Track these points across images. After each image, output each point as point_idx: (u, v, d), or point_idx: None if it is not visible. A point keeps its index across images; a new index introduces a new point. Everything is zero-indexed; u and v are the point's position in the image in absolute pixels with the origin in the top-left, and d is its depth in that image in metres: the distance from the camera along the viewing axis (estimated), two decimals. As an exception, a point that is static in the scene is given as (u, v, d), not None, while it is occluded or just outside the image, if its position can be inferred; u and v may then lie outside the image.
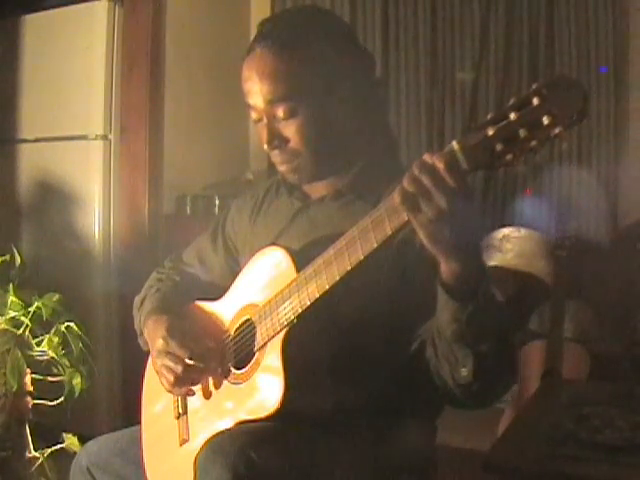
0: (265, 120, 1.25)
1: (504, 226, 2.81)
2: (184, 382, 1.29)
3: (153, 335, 1.33)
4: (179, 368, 1.26)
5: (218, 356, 1.28)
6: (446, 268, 1.01)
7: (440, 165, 0.93)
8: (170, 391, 1.32)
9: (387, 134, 1.39)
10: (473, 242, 1.01)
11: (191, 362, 1.25)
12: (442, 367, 1.10)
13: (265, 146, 1.27)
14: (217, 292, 1.39)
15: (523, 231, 2.72)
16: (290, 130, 1.24)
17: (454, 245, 0.98)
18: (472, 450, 2.08)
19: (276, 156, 1.28)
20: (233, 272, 1.41)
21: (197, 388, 1.31)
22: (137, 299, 1.50)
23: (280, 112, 1.23)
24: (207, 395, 1.30)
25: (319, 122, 1.25)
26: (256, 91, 1.24)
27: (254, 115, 1.27)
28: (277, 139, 1.25)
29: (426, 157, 0.96)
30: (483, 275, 1.03)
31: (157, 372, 1.32)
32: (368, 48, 3.53)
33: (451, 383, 1.10)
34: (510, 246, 2.66)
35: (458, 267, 1.00)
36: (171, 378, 1.28)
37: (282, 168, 1.29)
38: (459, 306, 1.02)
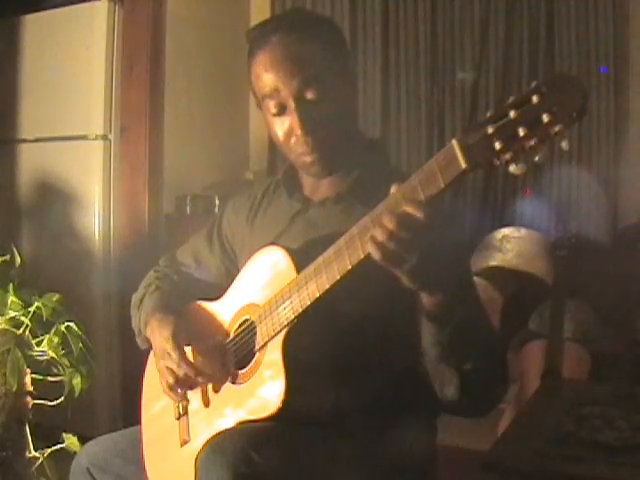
0: (293, 105, 1.22)
1: (504, 226, 2.81)
2: (183, 386, 1.30)
3: (158, 335, 1.32)
4: (181, 372, 1.27)
5: (219, 360, 1.28)
6: (423, 297, 1.04)
7: (408, 212, 0.96)
8: (168, 392, 1.32)
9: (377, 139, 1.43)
10: (446, 272, 1.02)
11: (196, 377, 1.26)
12: (434, 382, 1.13)
13: (286, 138, 1.25)
14: (214, 292, 1.39)
15: (523, 231, 2.72)
16: (321, 114, 1.23)
17: (432, 278, 1.01)
18: (472, 450, 2.08)
19: (302, 145, 1.25)
20: (229, 273, 1.42)
21: (197, 389, 1.31)
22: (135, 297, 1.50)
23: (311, 94, 1.22)
24: (207, 397, 1.30)
25: (342, 109, 1.26)
26: (284, 76, 1.22)
27: (274, 108, 1.24)
28: (310, 122, 1.23)
29: (389, 209, 0.98)
30: (460, 299, 1.05)
31: (158, 370, 1.33)
32: (368, 48, 3.56)
33: (442, 398, 1.13)
34: (510, 246, 2.67)
35: (434, 297, 1.03)
36: (171, 380, 1.29)
37: (306, 159, 1.26)
38: (439, 330, 1.06)
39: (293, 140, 1.25)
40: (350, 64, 1.33)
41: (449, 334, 1.05)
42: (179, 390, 1.31)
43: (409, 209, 0.96)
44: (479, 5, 3.29)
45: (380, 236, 0.97)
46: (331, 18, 1.41)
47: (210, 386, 1.29)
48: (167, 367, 1.29)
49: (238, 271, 1.35)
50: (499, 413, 2.26)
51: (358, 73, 3.37)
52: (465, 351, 1.08)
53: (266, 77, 1.24)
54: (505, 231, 2.75)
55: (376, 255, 0.98)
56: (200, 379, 1.27)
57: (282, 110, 1.25)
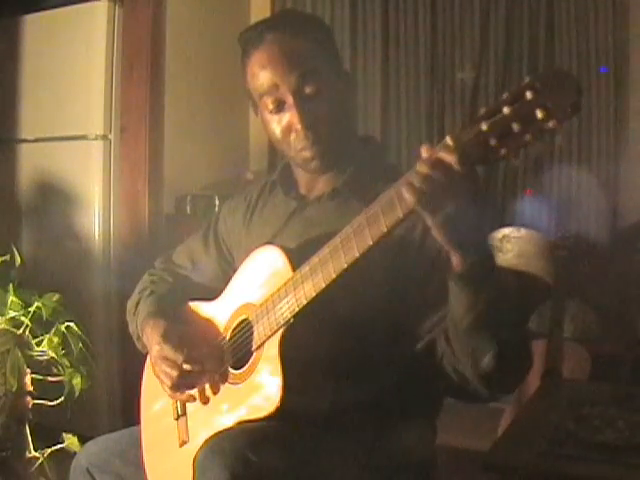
0: (292, 100, 1.23)
1: (504, 226, 2.81)
2: (182, 387, 1.29)
3: (150, 341, 1.33)
4: (175, 373, 1.26)
5: (215, 358, 1.28)
6: (460, 260, 1.01)
7: (450, 159, 0.93)
8: (171, 396, 1.32)
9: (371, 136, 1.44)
10: (484, 232, 1.02)
11: (187, 366, 1.25)
12: (460, 361, 1.09)
13: (285, 134, 1.25)
14: (210, 293, 1.39)
15: (523, 231, 2.71)
16: (319, 109, 1.23)
17: (468, 237, 0.98)
18: (472, 450, 2.07)
19: (302, 140, 1.24)
20: (225, 274, 1.41)
21: (196, 390, 1.31)
22: (130, 303, 1.49)
23: (309, 89, 1.23)
24: (206, 396, 1.30)
25: (338, 104, 1.27)
26: (281, 72, 1.23)
27: (272, 104, 1.24)
28: (310, 117, 1.23)
29: (428, 151, 0.96)
30: (493, 263, 1.03)
31: (157, 377, 1.32)
32: (368, 48, 3.55)
33: (471, 375, 1.09)
34: (510, 246, 2.66)
35: (471, 258, 1.00)
36: (169, 383, 1.28)
37: (306, 154, 1.26)
38: (474, 296, 1.02)
39: (293, 136, 1.25)
40: (341, 61, 1.35)
41: (484, 300, 1.02)
42: (182, 391, 1.30)
43: (442, 154, 0.94)
44: (479, 5, 3.28)
45: (416, 181, 0.95)
46: (320, 17, 1.43)
47: (208, 386, 1.29)
48: (164, 371, 1.28)
49: (234, 272, 1.35)
50: (499, 413, 2.25)
51: (358, 73, 3.38)
52: (501, 318, 1.04)
53: (263, 75, 1.24)
54: (505, 231, 2.74)
55: (410, 199, 0.95)
56: (200, 377, 1.27)
57: (280, 106, 1.25)
